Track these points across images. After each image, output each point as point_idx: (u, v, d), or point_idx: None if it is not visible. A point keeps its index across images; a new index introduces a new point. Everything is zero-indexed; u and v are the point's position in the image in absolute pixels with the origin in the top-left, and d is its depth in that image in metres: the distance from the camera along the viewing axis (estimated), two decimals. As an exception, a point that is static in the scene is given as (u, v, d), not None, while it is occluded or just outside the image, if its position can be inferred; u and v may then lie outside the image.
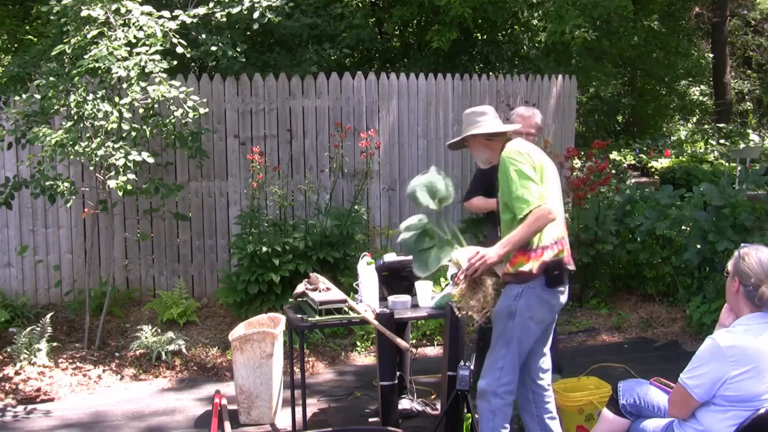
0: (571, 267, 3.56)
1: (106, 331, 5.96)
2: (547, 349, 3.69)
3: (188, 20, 5.73)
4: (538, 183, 3.39)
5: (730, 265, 2.98)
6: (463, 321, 4.08)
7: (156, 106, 5.56)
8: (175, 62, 5.54)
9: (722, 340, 2.84)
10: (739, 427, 2.83)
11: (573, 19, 8.30)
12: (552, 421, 3.69)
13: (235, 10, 6.15)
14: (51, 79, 5.34)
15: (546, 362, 3.69)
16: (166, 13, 5.49)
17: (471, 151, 3.79)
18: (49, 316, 5.56)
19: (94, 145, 5.11)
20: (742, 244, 3.04)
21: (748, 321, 2.89)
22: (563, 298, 3.54)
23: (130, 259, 6.62)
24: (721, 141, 15.59)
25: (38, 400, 4.99)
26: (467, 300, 3.40)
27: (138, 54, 5.21)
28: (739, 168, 10.61)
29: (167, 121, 5.54)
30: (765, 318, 2.88)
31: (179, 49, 5.50)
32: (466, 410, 3.90)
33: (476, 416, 3.91)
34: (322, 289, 4.24)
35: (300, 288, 4.34)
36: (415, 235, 3.59)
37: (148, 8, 5.41)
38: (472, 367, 3.84)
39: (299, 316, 4.12)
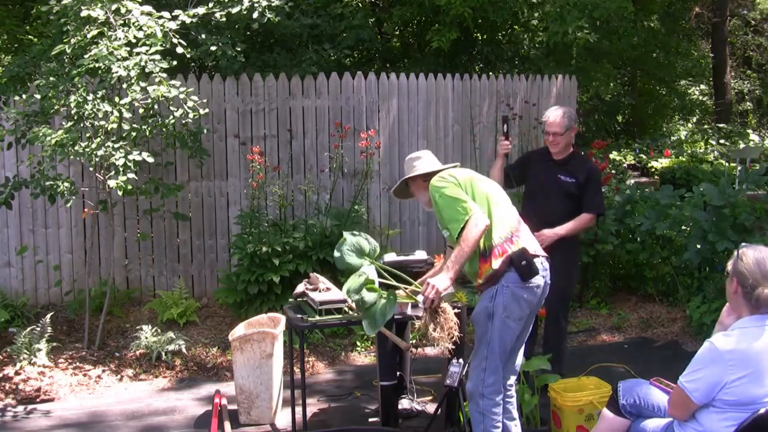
0: (540, 253, 3.60)
1: (106, 331, 5.96)
2: (521, 350, 3.74)
3: (188, 20, 5.73)
4: (464, 199, 3.47)
5: (729, 265, 2.96)
6: (463, 320, 4.08)
7: (156, 106, 5.56)
8: (174, 62, 5.54)
9: (720, 344, 2.83)
10: (738, 428, 2.83)
11: (575, 20, 8.29)
12: (511, 422, 3.73)
13: (234, 10, 6.14)
14: (51, 79, 5.34)
15: (517, 363, 3.74)
16: (166, 14, 5.49)
17: (415, 196, 3.93)
18: (49, 316, 5.56)
19: (94, 145, 5.11)
20: (742, 244, 3.02)
21: (746, 324, 2.87)
22: (540, 292, 3.55)
23: (130, 259, 6.62)
24: (721, 141, 15.57)
25: (38, 400, 5.00)
26: (431, 332, 3.43)
27: (138, 54, 5.21)
28: (739, 168, 10.61)
29: (167, 121, 5.54)
30: (763, 320, 2.86)
31: (179, 49, 5.50)
32: (458, 406, 3.92)
33: (468, 411, 3.93)
34: (322, 289, 4.24)
35: (300, 288, 4.34)
36: (361, 295, 3.61)
37: (148, 8, 5.41)
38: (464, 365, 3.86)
39: (299, 316, 4.12)
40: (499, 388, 3.55)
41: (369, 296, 3.58)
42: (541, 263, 3.54)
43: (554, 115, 4.73)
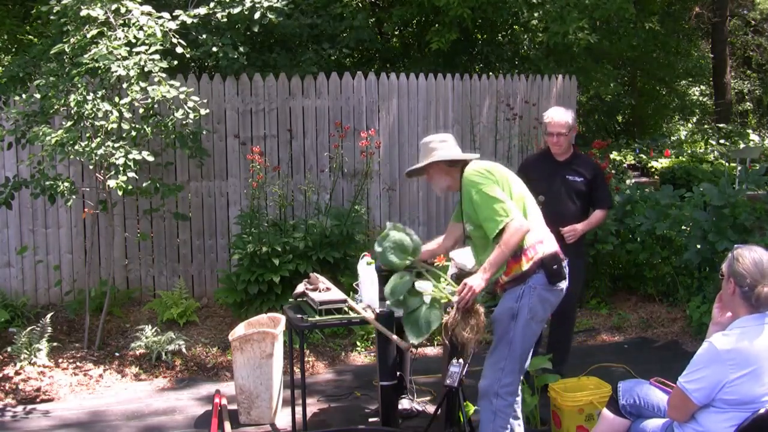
0: (563, 257, 3.62)
1: (106, 331, 5.96)
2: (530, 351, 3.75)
3: (188, 20, 5.73)
4: (503, 199, 3.44)
5: (724, 267, 2.97)
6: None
7: (156, 106, 5.56)
8: (175, 62, 5.54)
9: (720, 343, 2.83)
10: (738, 428, 2.83)
11: (575, 21, 8.28)
12: (515, 421, 3.73)
13: (235, 11, 6.14)
14: (51, 79, 5.34)
15: (527, 364, 3.74)
16: (165, 14, 5.49)
17: (429, 180, 3.83)
18: (49, 316, 5.56)
19: (94, 145, 5.11)
20: (735, 246, 3.03)
21: (745, 323, 2.87)
22: (562, 295, 3.59)
23: (130, 259, 6.62)
24: (721, 141, 15.57)
25: (38, 400, 5.00)
26: (461, 330, 3.43)
27: (138, 54, 5.21)
28: (739, 168, 10.61)
29: (167, 121, 5.54)
30: (762, 319, 2.86)
31: (179, 50, 5.50)
32: (458, 406, 3.92)
33: (468, 411, 3.92)
34: (322, 289, 4.24)
35: (300, 288, 4.34)
36: (403, 296, 3.58)
37: (147, 8, 5.42)
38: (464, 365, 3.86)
39: (299, 316, 4.12)
40: (515, 389, 3.57)
41: (412, 301, 3.52)
42: (565, 267, 3.58)
43: (557, 115, 4.67)
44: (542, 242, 3.52)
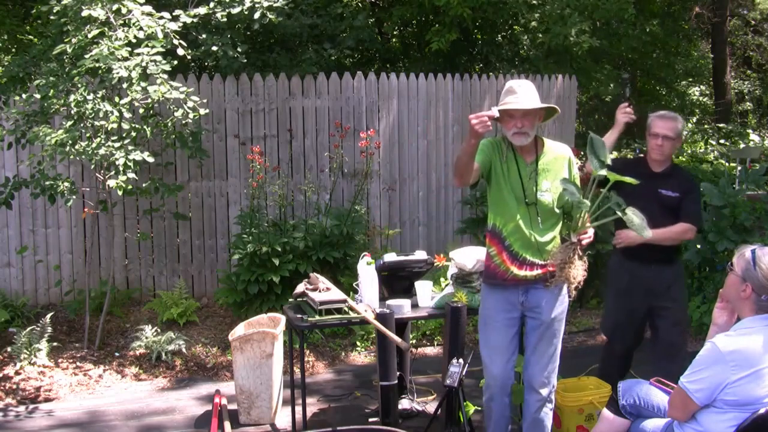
0: None
1: (106, 331, 5.96)
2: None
3: (188, 20, 5.73)
4: None
5: (738, 268, 2.91)
6: (463, 321, 4.08)
7: (156, 105, 5.56)
8: (175, 62, 5.53)
9: (722, 344, 2.82)
10: (738, 428, 2.83)
11: (576, 24, 8.27)
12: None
13: (235, 10, 6.14)
14: (51, 79, 5.33)
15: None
16: (166, 14, 5.48)
17: (514, 124, 3.43)
18: (49, 316, 5.56)
19: (94, 145, 5.11)
20: (757, 245, 2.94)
21: (749, 324, 2.87)
22: None
23: (130, 259, 6.62)
24: (721, 141, 15.56)
25: (38, 400, 5.00)
26: (576, 266, 3.34)
27: (139, 54, 5.21)
28: (739, 168, 10.60)
29: (167, 121, 5.54)
30: (765, 321, 2.86)
31: (180, 50, 5.50)
32: (458, 406, 3.92)
33: (468, 411, 3.93)
34: (322, 289, 4.24)
35: (300, 288, 4.34)
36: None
37: (148, 8, 5.41)
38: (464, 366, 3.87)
39: (299, 316, 4.12)
40: None
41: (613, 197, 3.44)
42: None
43: (667, 116, 4.20)
44: None
